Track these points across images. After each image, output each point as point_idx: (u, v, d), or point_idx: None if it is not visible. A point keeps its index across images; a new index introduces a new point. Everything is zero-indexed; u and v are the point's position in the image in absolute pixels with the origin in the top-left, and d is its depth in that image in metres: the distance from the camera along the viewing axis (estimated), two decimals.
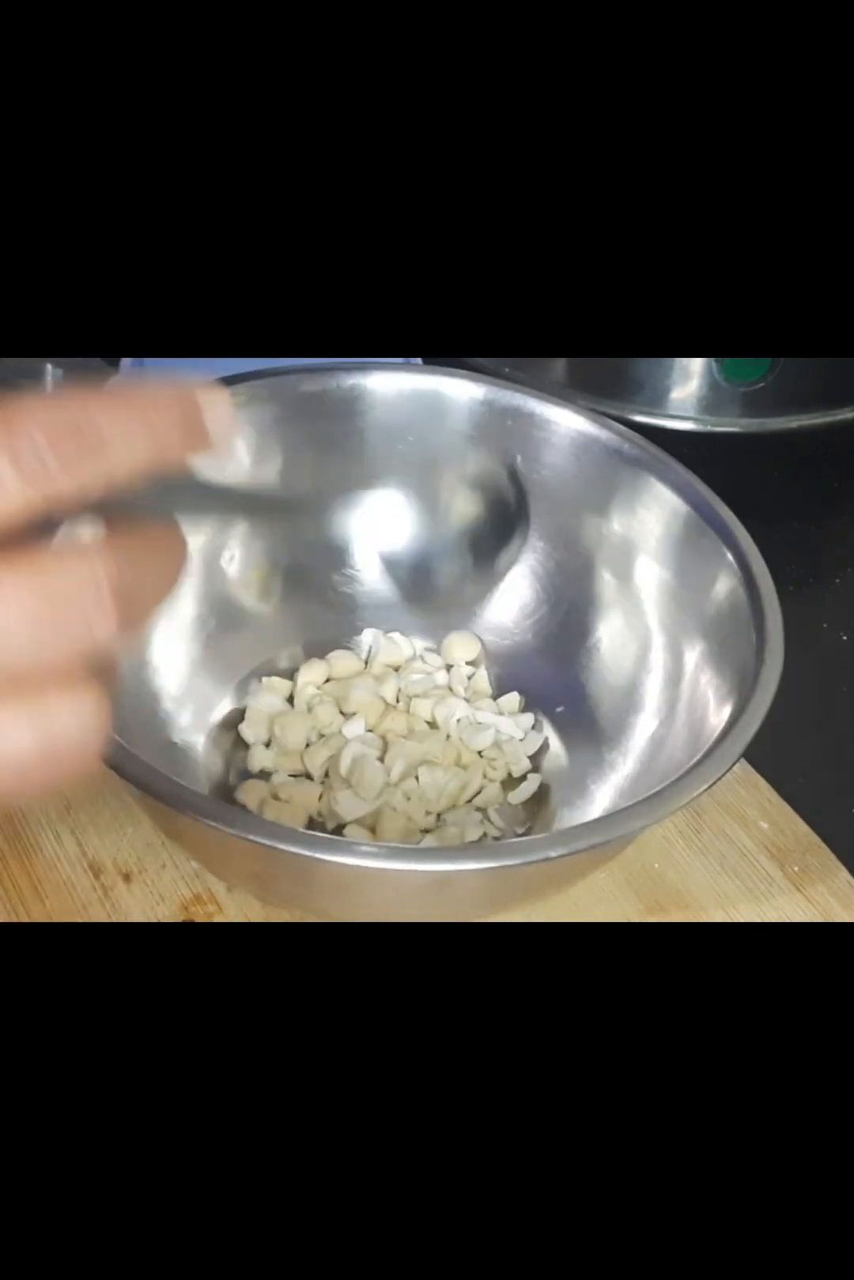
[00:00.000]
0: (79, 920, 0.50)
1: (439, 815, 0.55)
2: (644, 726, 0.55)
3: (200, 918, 0.51)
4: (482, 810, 0.56)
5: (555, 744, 0.58)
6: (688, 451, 0.58)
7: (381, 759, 0.55)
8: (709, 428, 0.63)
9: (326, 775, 0.56)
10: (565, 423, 0.57)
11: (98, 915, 0.51)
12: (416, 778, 0.55)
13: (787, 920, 0.53)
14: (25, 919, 0.50)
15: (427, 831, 0.54)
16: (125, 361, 0.70)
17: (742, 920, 0.53)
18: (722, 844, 0.55)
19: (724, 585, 0.52)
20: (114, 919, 0.51)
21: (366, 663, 0.60)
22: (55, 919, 0.50)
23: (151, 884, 0.52)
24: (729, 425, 0.62)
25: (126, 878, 0.52)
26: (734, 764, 0.45)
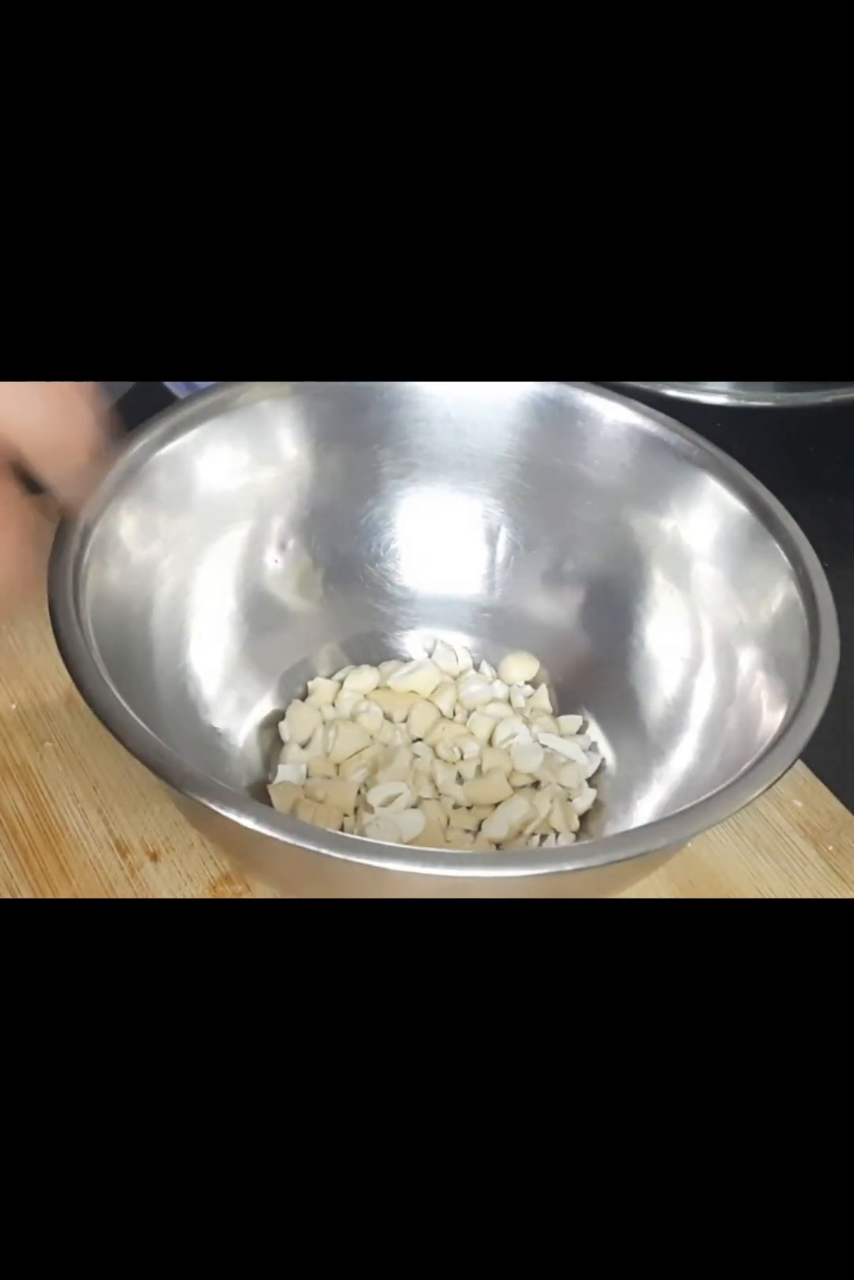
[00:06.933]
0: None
1: (498, 844, 0.53)
2: (695, 731, 0.53)
3: (230, 897, 0.51)
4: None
5: (605, 748, 0.57)
6: (721, 426, 0.58)
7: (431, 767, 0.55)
8: (743, 402, 0.62)
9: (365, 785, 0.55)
10: (615, 417, 0.55)
11: (125, 894, 0.50)
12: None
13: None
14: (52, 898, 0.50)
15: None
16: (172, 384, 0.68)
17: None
18: (755, 823, 0.55)
19: (780, 592, 0.50)
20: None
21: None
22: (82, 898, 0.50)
23: (179, 863, 0.52)
24: (763, 399, 0.61)
25: (154, 857, 0.52)
26: (783, 774, 0.44)
